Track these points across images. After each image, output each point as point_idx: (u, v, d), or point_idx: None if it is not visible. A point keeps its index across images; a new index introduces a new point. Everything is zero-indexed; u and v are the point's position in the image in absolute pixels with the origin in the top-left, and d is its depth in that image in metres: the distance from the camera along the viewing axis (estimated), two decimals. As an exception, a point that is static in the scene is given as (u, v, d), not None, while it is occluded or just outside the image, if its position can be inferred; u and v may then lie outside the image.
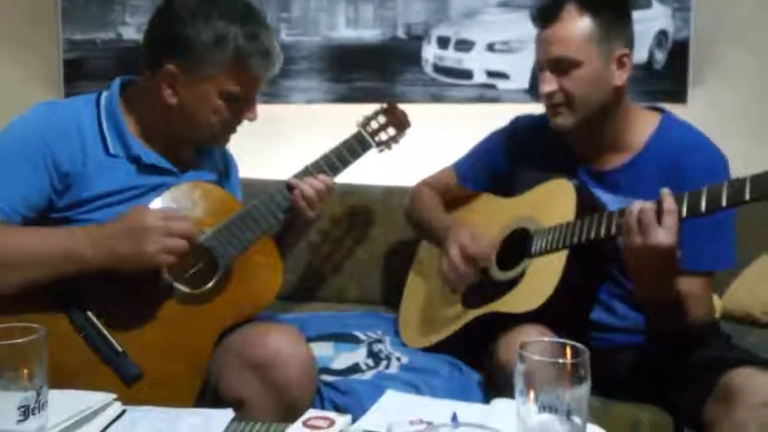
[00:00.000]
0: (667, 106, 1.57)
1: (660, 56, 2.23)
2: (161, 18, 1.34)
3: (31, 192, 1.25)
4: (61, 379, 0.93)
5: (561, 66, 1.42)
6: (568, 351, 0.80)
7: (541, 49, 1.46)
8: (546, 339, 0.92)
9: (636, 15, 2.22)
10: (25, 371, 0.81)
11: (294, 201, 1.40)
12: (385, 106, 1.62)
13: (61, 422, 0.91)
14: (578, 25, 1.40)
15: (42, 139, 1.26)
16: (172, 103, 1.32)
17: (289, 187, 1.41)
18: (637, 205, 1.22)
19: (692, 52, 2.22)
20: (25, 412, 0.80)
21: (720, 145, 1.45)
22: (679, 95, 2.22)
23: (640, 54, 2.22)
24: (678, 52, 2.22)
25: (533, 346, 0.80)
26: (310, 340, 1.53)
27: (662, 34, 2.22)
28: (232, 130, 1.40)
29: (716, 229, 1.36)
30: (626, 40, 1.45)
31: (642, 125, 1.48)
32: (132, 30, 2.31)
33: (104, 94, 1.37)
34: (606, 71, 1.42)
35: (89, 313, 1.24)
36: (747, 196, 1.12)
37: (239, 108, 1.35)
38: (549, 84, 1.44)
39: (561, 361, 0.78)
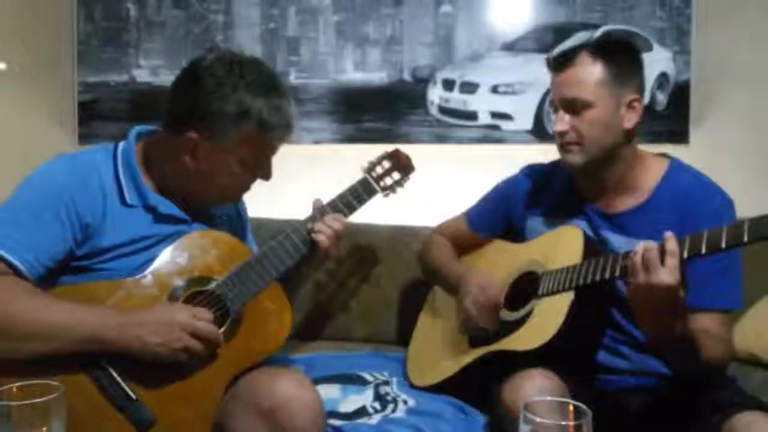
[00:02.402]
0: (670, 147, 1.61)
1: (661, 98, 2.26)
2: (187, 84, 1.34)
3: (56, 244, 1.27)
4: (75, 427, 0.93)
5: (574, 106, 1.47)
6: (571, 412, 0.82)
7: (556, 91, 1.51)
8: (549, 398, 0.94)
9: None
10: (44, 429, 0.82)
11: (320, 243, 1.42)
12: (389, 151, 1.66)
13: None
14: (591, 70, 1.46)
15: (68, 192, 1.28)
16: (190, 168, 1.34)
17: (309, 231, 1.44)
18: (642, 245, 1.25)
19: (693, 93, 2.25)
20: (44, 468, 0.81)
21: (723, 185, 1.48)
22: (681, 136, 2.25)
23: (642, 96, 2.26)
24: (679, 94, 2.25)
25: (537, 407, 0.82)
26: (317, 381, 1.55)
27: (663, 77, 2.25)
28: (247, 189, 1.43)
29: (724, 270, 1.39)
30: (637, 86, 1.49)
31: (650, 169, 1.51)
32: (145, 72, 2.34)
33: (121, 145, 1.39)
34: (617, 114, 1.46)
35: (102, 361, 1.25)
36: (745, 239, 1.17)
37: (255, 171, 1.39)
38: (562, 123, 1.49)
39: (563, 423, 0.80)
